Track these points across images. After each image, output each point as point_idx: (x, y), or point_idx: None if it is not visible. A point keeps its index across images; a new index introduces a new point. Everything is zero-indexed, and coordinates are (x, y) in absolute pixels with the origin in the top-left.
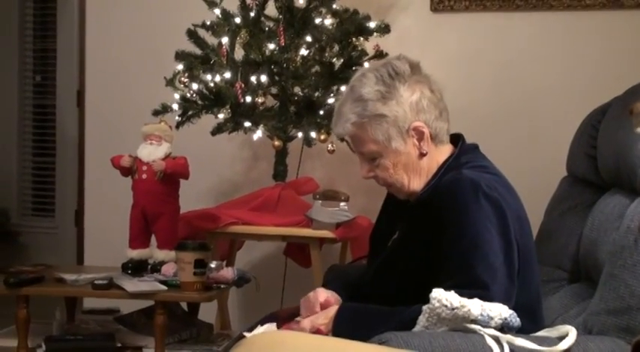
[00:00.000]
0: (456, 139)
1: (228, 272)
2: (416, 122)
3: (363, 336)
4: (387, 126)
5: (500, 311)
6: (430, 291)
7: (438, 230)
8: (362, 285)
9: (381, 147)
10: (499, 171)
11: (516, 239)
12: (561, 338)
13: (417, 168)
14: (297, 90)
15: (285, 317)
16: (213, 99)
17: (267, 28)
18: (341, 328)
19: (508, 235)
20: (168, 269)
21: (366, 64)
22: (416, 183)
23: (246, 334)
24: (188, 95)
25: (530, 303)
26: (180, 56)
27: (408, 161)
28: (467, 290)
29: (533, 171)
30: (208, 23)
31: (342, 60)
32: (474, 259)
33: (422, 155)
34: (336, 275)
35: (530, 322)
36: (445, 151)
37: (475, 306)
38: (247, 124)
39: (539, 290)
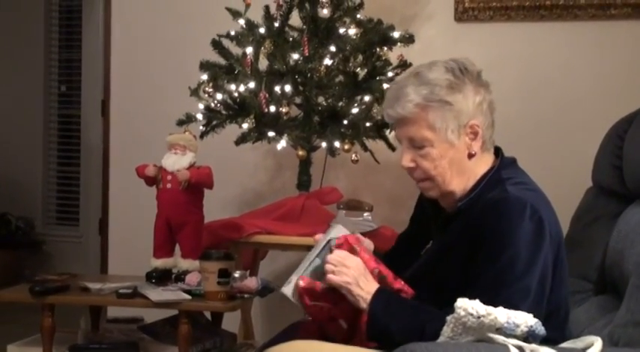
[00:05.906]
0: (495, 152)
1: (252, 282)
2: (474, 120)
3: (393, 324)
4: (450, 116)
5: (526, 319)
6: None
7: (478, 246)
8: None
9: (434, 135)
10: (538, 187)
11: (554, 258)
12: (586, 348)
13: (460, 167)
14: (320, 100)
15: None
16: (238, 109)
17: (291, 38)
18: (377, 306)
19: (547, 256)
20: (192, 279)
21: (390, 74)
22: (456, 183)
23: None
24: (212, 105)
25: (559, 314)
26: (204, 66)
27: (455, 156)
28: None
29: (558, 181)
30: (233, 33)
31: (365, 70)
32: (508, 277)
33: (470, 155)
34: None
35: (557, 333)
36: (487, 160)
37: (501, 314)
38: (271, 134)
39: (568, 303)
